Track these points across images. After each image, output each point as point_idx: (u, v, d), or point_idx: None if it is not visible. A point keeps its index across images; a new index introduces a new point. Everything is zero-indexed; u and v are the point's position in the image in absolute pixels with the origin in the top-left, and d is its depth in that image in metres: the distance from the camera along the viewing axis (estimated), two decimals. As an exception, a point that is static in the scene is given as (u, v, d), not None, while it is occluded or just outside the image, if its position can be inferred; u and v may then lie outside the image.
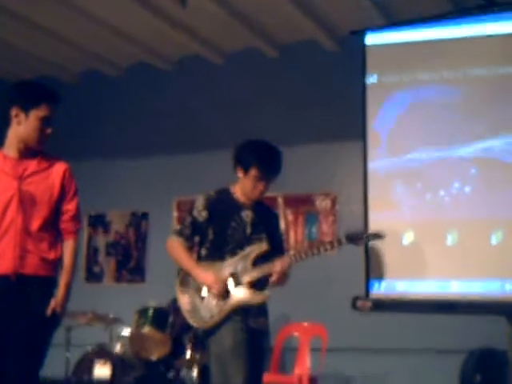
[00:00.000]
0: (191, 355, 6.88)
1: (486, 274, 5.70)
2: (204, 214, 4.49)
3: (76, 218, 4.31)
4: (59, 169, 4.27)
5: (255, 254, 4.45)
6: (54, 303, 4.13)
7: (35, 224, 4.16)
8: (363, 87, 6.41)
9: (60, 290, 4.20)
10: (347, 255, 7.88)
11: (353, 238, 4.61)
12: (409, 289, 5.83)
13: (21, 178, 4.17)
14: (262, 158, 4.48)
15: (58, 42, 8.90)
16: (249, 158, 4.49)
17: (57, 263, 4.25)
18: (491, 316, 6.16)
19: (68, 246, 4.27)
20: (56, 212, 4.24)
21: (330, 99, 8.83)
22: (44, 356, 4.23)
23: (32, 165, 4.22)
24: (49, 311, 4.11)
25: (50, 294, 4.18)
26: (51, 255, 4.20)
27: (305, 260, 4.48)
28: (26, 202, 4.15)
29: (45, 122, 4.19)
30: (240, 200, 4.56)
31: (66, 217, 4.26)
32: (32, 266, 4.13)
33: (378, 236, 4.74)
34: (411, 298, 5.83)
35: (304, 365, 6.80)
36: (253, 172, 4.46)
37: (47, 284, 4.20)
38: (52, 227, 4.23)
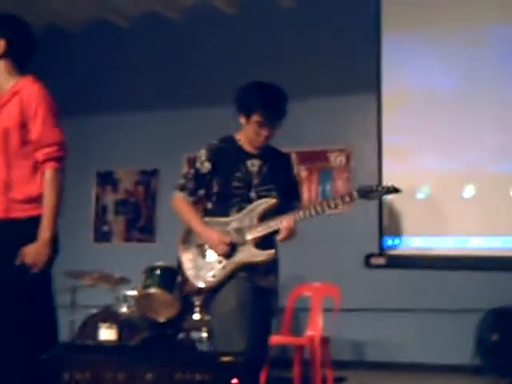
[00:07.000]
0: (200, 316, 6.77)
1: (505, 229, 5.47)
2: (207, 164, 4.21)
3: (43, 144, 3.73)
4: (20, 94, 3.77)
5: (262, 208, 4.16)
6: (22, 253, 3.64)
7: (1, 162, 3.74)
8: (378, 38, 6.13)
9: (39, 234, 3.70)
10: (361, 212, 7.76)
11: (365, 193, 4.20)
12: (424, 245, 5.60)
13: None
14: (264, 101, 4.13)
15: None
16: (249, 102, 4.16)
17: (31, 201, 3.73)
18: (509, 273, 5.96)
19: (44, 181, 3.74)
20: (26, 145, 3.75)
21: (345, 52, 8.61)
22: (11, 314, 3.64)
23: (4, 97, 3.82)
24: (17, 261, 3.62)
25: (23, 236, 3.67)
26: (19, 194, 3.74)
27: (315, 217, 4.19)
28: None
29: None
30: (245, 148, 4.26)
31: (33, 147, 3.74)
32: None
33: (392, 190, 4.30)
34: (427, 255, 5.60)
35: (316, 325, 6.72)
36: (255, 117, 4.14)
37: (20, 225, 3.71)
38: (22, 163, 3.75)
